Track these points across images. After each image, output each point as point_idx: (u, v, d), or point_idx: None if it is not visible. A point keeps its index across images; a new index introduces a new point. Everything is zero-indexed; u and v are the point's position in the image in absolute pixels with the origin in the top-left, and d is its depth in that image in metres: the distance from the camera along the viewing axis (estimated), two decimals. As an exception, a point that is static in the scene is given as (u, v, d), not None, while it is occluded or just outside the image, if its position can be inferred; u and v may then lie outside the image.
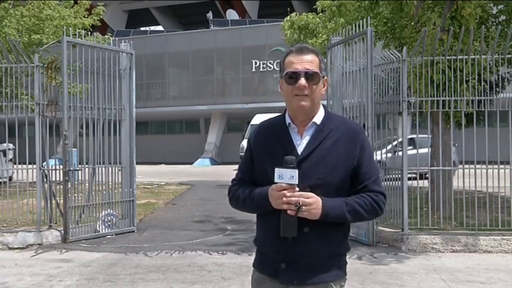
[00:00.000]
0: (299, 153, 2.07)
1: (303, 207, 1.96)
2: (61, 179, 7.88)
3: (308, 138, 2.10)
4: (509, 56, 7.70)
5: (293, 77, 2.07)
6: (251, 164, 2.19)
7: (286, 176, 1.95)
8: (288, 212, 1.97)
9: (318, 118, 2.12)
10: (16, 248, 7.41)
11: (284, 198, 1.97)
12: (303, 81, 2.06)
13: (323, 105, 2.19)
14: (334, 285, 2.10)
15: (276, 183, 1.98)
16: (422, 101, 7.59)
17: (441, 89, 7.57)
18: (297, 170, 1.95)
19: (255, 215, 2.23)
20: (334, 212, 2.02)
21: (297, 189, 1.97)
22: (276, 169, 1.97)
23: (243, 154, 2.33)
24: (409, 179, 7.69)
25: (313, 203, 1.98)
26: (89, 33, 13.86)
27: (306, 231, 2.02)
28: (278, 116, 2.21)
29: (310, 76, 2.07)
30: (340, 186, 2.08)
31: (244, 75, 32.32)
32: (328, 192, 2.03)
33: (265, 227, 2.14)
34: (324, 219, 2.00)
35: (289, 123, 2.13)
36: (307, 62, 2.08)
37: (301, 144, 2.10)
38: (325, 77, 2.15)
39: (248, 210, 2.20)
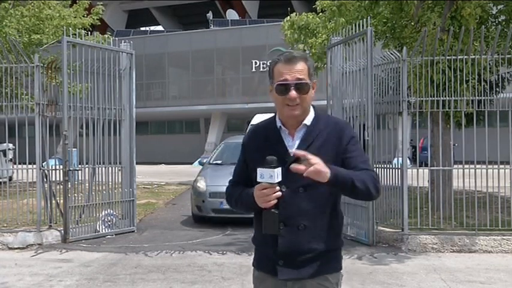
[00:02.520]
0: (291, 154, 2.09)
1: (310, 161, 1.91)
2: (61, 179, 7.88)
3: (299, 139, 2.16)
4: (509, 56, 7.70)
5: (283, 88, 2.10)
6: (245, 166, 2.26)
7: (266, 175, 1.98)
8: (291, 167, 1.94)
9: (308, 120, 2.18)
10: (16, 248, 7.41)
11: (272, 196, 1.99)
12: (293, 93, 2.09)
13: (313, 106, 2.23)
14: (331, 278, 2.17)
15: (259, 182, 2.02)
16: (422, 101, 7.59)
17: (441, 89, 7.57)
18: (275, 170, 1.97)
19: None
20: (342, 174, 2.00)
21: (277, 188, 1.99)
22: (257, 169, 2.00)
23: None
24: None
25: (318, 161, 1.93)
26: (89, 32, 13.84)
27: (301, 229, 2.10)
28: (269, 118, 2.26)
29: (300, 86, 2.10)
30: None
31: (244, 75, 32.31)
32: (318, 192, 2.08)
33: (260, 226, 2.17)
34: (334, 180, 1.95)
35: (280, 126, 2.19)
36: (297, 71, 2.10)
37: (292, 145, 2.15)
38: (314, 81, 2.19)
39: (242, 210, 2.28)
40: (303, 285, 2.14)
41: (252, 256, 2.31)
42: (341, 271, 2.23)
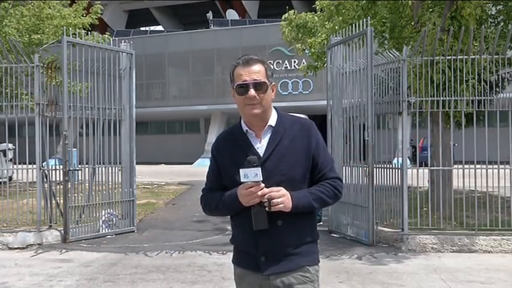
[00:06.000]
0: (261, 155, 2.23)
1: (273, 200, 2.12)
2: (61, 179, 7.88)
3: (266, 140, 2.27)
4: (509, 56, 7.70)
5: (243, 87, 2.23)
6: (218, 173, 2.35)
7: (250, 174, 2.11)
8: (265, 207, 2.14)
9: (272, 121, 2.29)
10: (16, 248, 7.41)
11: (259, 193, 2.12)
12: (252, 92, 2.22)
13: (275, 107, 2.35)
14: (311, 269, 2.28)
15: (243, 182, 2.14)
16: (422, 101, 7.59)
17: (441, 89, 7.57)
18: (259, 168, 2.11)
19: None
20: (302, 202, 2.20)
21: (262, 185, 2.12)
22: (240, 170, 2.12)
23: None
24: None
25: (285, 194, 2.15)
26: (88, 32, 13.88)
27: (279, 224, 2.20)
28: (235, 125, 2.36)
29: (258, 86, 2.23)
30: (302, 179, 2.26)
31: (244, 75, 32.24)
32: (293, 186, 2.21)
33: (241, 225, 2.30)
34: (295, 209, 2.18)
35: (246, 130, 2.30)
36: (255, 72, 2.24)
37: (261, 147, 2.26)
38: (273, 83, 2.31)
39: (221, 213, 2.37)
40: (286, 278, 2.23)
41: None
42: (319, 263, 2.34)
